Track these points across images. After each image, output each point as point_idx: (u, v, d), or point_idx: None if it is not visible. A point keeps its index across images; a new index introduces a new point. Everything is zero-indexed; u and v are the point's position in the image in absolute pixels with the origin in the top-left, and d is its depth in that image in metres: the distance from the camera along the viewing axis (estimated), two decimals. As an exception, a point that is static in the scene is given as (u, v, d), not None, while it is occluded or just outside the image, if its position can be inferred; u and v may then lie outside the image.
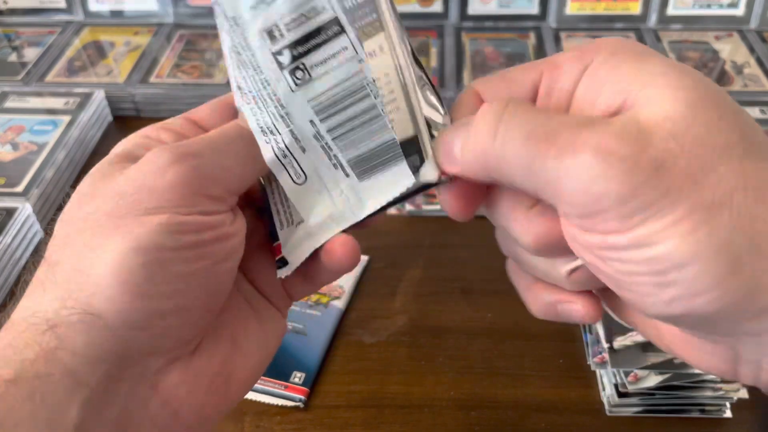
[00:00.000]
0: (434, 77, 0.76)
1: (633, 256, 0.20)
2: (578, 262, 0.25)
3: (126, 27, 0.86)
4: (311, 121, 0.26)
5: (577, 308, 0.26)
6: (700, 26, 0.83)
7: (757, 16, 0.82)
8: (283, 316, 0.31)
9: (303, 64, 0.25)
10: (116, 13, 0.87)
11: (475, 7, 0.84)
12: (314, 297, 0.56)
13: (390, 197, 0.26)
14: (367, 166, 0.26)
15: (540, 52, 0.80)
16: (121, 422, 0.24)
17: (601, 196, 0.20)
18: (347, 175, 0.27)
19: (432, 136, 0.25)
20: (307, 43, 0.25)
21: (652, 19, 0.83)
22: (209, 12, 0.86)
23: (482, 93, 0.26)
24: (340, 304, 0.55)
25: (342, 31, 0.25)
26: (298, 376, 0.50)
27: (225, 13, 0.26)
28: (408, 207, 0.63)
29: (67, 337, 0.23)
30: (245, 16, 0.25)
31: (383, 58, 0.25)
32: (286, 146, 0.26)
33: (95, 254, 0.23)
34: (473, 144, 0.23)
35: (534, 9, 0.84)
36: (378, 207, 0.27)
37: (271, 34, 0.25)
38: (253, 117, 0.27)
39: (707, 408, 0.47)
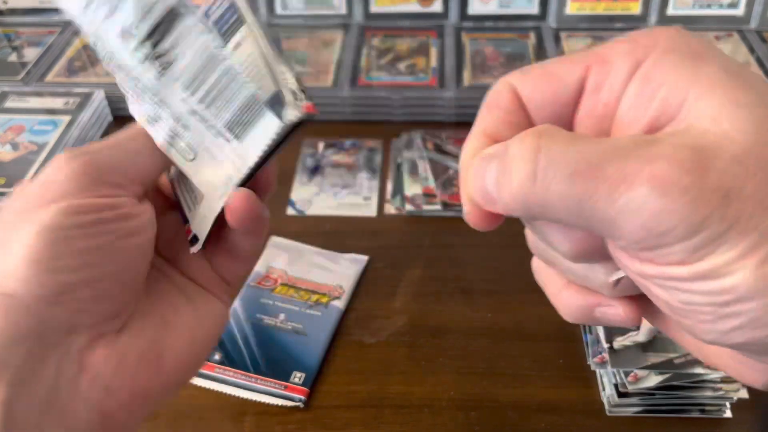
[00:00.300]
0: (434, 77, 0.76)
1: (695, 287, 0.19)
2: (622, 273, 0.23)
3: (126, 27, 0.86)
4: (182, 99, 0.29)
5: (617, 312, 0.24)
6: (700, 26, 0.83)
7: (757, 16, 0.82)
8: (223, 302, 0.32)
9: (159, 52, 0.29)
10: (116, 13, 0.87)
11: (475, 7, 0.84)
12: (314, 297, 0.56)
13: (265, 145, 0.29)
14: (240, 126, 0.29)
15: (540, 52, 0.80)
16: (51, 400, 0.25)
17: (665, 233, 0.18)
18: (228, 140, 0.29)
19: (293, 93, 0.29)
20: (156, 33, 0.29)
21: (652, 20, 0.83)
22: (209, 12, 0.86)
23: (520, 90, 0.23)
24: (340, 304, 0.55)
25: (180, 14, 0.28)
26: (298, 376, 0.50)
27: (88, 32, 0.30)
28: (408, 207, 0.63)
29: None
30: (102, 28, 0.29)
31: (247, 40, 0.28)
32: (170, 129, 0.30)
33: (7, 243, 0.26)
34: (510, 186, 0.20)
35: (534, 9, 0.84)
36: (258, 156, 0.29)
37: (125, 35, 0.29)
38: (139, 112, 0.30)
39: (707, 408, 0.47)
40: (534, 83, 0.23)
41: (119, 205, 0.27)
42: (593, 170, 0.19)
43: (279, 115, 0.28)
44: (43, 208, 0.26)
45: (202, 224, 0.30)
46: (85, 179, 0.27)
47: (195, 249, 0.31)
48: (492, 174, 0.21)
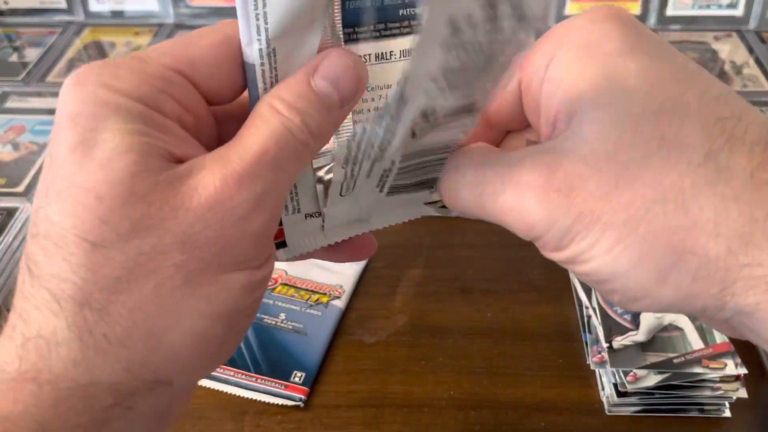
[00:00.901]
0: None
1: (574, 270, 0.22)
2: None
3: (127, 27, 0.86)
4: (392, 161, 0.25)
5: None
6: (699, 27, 0.83)
7: (756, 16, 0.83)
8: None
9: (426, 128, 0.24)
10: (117, 14, 0.87)
11: (474, 8, 0.84)
12: (314, 297, 0.56)
13: (407, 216, 0.29)
14: (403, 190, 0.28)
15: (540, 53, 0.80)
16: None
17: (531, 226, 0.21)
18: (380, 192, 0.28)
19: None
20: (444, 118, 0.24)
21: (652, 20, 0.83)
22: (209, 12, 0.86)
23: None
24: (340, 303, 0.55)
25: (472, 112, 0.24)
26: (298, 376, 0.50)
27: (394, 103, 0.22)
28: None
29: (137, 404, 0.20)
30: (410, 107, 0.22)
31: None
32: (356, 174, 0.26)
33: (168, 317, 0.20)
34: (449, 200, 0.25)
35: (534, 9, 0.84)
36: (395, 222, 0.29)
37: (425, 115, 0.23)
38: (344, 139, 0.27)
39: (706, 407, 0.47)
40: None
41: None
42: (484, 182, 0.23)
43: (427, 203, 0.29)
44: (220, 280, 0.20)
45: (302, 240, 0.29)
46: (263, 241, 0.22)
47: (281, 257, 0.29)
48: (440, 189, 0.26)
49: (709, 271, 0.19)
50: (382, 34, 0.24)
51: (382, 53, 0.25)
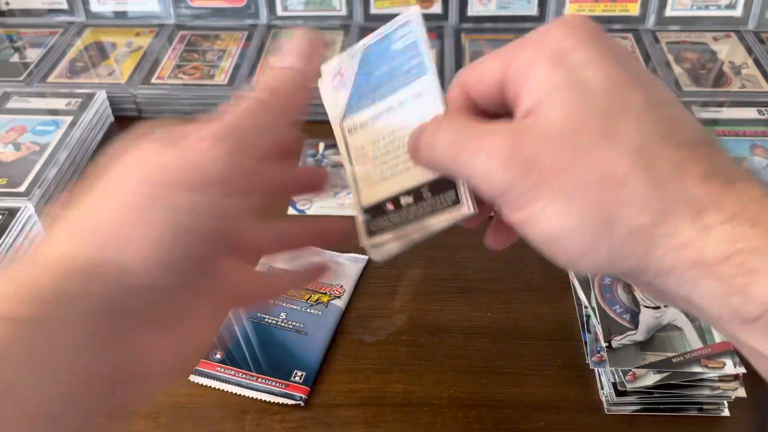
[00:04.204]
0: (434, 78, 0.77)
1: (530, 231, 0.26)
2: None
3: (127, 28, 0.86)
4: None
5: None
6: (699, 27, 0.83)
7: (755, 17, 0.83)
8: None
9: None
10: (118, 14, 0.87)
11: (474, 9, 0.84)
12: (315, 296, 0.56)
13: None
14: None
15: (539, 53, 0.80)
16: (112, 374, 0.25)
17: (496, 185, 0.26)
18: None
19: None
20: None
21: (651, 20, 0.84)
22: (210, 13, 0.87)
23: (464, 85, 0.30)
24: (340, 303, 0.56)
25: None
26: (298, 375, 0.51)
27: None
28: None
29: (91, 283, 0.24)
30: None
31: None
32: None
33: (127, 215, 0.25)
34: (421, 149, 0.29)
35: (533, 10, 0.84)
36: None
37: None
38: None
39: (705, 406, 0.47)
40: (471, 84, 0.29)
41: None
42: (462, 143, 0.27)
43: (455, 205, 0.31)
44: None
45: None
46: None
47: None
48: (415, 139, 0.30)
49: (636, 238, 0.24)
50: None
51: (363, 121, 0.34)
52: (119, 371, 0.25)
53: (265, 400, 0.49)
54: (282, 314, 0.55)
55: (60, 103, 0.73)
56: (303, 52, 0.32)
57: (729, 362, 0.46)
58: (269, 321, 0.54)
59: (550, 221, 0.25)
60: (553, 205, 0.25)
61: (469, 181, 0.28)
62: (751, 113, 0.70)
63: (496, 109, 0.29)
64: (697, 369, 0.46)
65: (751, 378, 0.46)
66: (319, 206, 0.64)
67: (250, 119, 0.29)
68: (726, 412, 0.47)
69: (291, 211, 0.64)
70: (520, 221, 0.26)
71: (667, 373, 0.46)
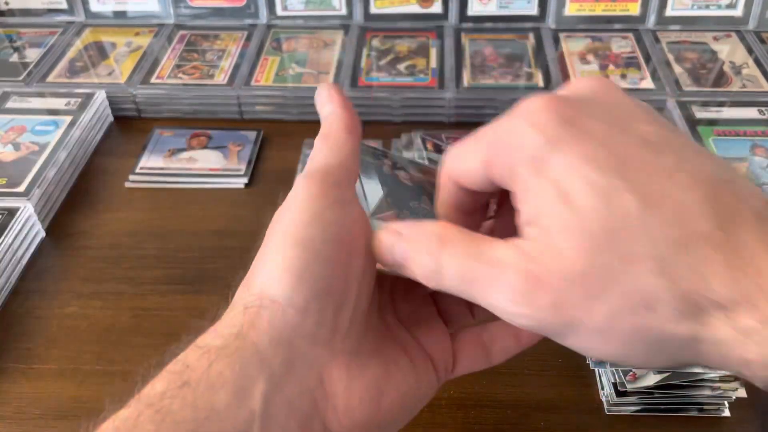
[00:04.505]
0: (434, 78, 0.77)
1: (578, 351, 0.26)
2: None
3: (127, 28, 0.86)
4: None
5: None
6: (699, 27, 0.83)
7: (756, 16, 0.83)
8: (437, 378, 0.34)
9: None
10: (118, 14, 0.87)
11: (474, 8, 0.84)
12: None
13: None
14: None
15: (539, 53, 0.80)
16: (295, 404, 0.27)
17: (520, 323, 0.26)
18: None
19: None
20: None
21: (651, 20, 0.84)
22: (210, 13, 0.87)
23: (450, 174, 0.30)
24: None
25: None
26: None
27: None
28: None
29: (254, 319, 0.27)
30: None
31: None
32: None
33: (273, 255, 0.29)
34: (418, 268, 0.28)
35: (533, 10, 0.84)
36: None
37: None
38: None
39: (706, 407, 0.47)
40: (458, 175, 0.29)
41: (346, 197, 0.30)
42: (472, 274, 0.26)
43: None
44: (295, 221, 0.28)
45: None
46: (319, 189, 0.29)
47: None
48: (400, 251, 0.29)
49: (684, 348, 0.24)
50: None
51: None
52: (300, 401, 0.27)
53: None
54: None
55: (59, 103, 0.73)
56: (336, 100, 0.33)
57: (729, 362, 0.46)
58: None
59: (596, 352, 0.25)
60: (591, 340, 0.25)
61: (486, 306, 0.27)
62: (751, 113, 0.70)
63: (490, 189, 0.29)
64: (697, 369, 0.46)
65: (751, 378, 0.46)
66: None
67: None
68: (726, 413, 0.47)
69: (291, 211, 0.64)
70: (564, 343, 0.26)
71: (667, 374, 0.46)
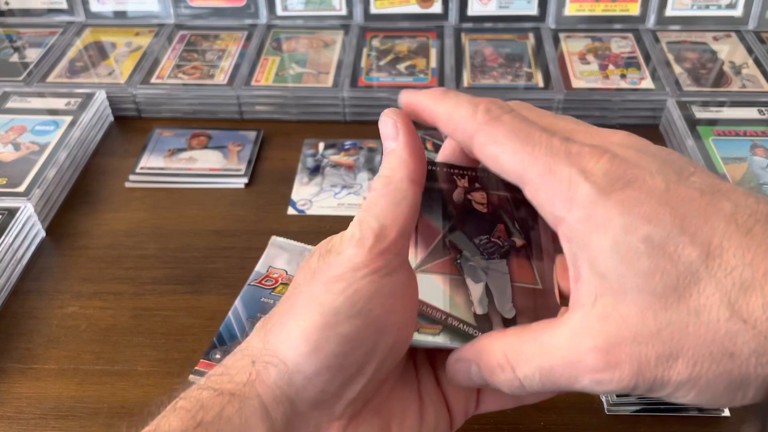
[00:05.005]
0: (434, 78, 0.77)
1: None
2: None
3: (127, 28, 0.86)
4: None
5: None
6: (699, 27, 0.83)
7: (756, 16, 0.83)
8: (449, 425, 0.33)
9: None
10: (118, 14, 0.87)
11: (474, 8, 0.84)
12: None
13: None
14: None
15: (539, 53, 0.80)
16: None
17: (609, 390, 0.26)
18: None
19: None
20: None
21: (651, 20, 0.84)
22: (210, 13, 0.87)
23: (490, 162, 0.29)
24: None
25: None
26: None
27: None
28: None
29: (262, 372, 0.28)
30: None
31: None
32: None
33: (299, 313, 0.28)
34: (502, 385, 0.29)
35: (533, 10, 0.84)
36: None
37: None
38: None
39: (705, 407, 0.47)
40: (497, 161, 0.29)
41: (392, 265, 0.28)
42: (554, 378, 0.27)
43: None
44: (327, 288, 0.28)
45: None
46: (364, 259, 0.28)
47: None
48: (477, 378, 0.30)
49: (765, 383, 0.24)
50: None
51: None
52: None
53: (264, 400, 0.49)
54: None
55: (59, 103, 0.73)
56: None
57: (729, 362, 0.46)
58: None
59: (683, 400, 0.25)
60: (679, 393, 0.25)
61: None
62: (751, 113, 0.70)
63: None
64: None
65: (751, 378, 0.46)
66: (319, 206, 0.64)
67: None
68: (726, 412, 0.47)
69: (291, 210, 0.64)
70: (652, 396, 0.26)
71: (667, 373, 0.46)
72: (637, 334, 0.24)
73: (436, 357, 0.34)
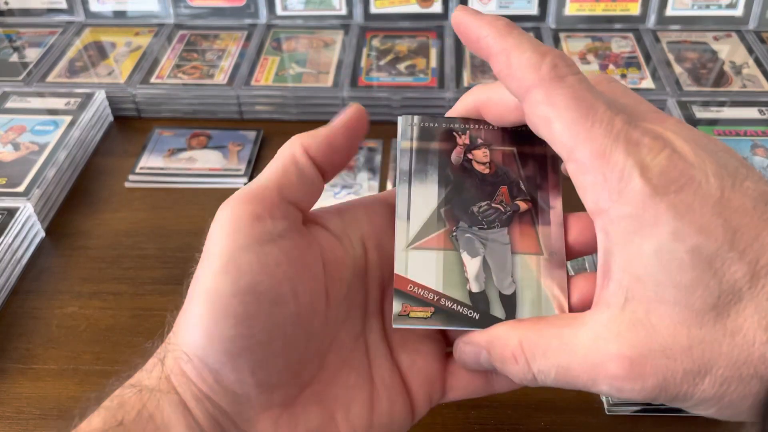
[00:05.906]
0: (434, 78, 0.77)
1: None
2: None
3: (127, 27, 0.86)
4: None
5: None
6: (699, 27, 0.83)
7: (756, 16, 0.83)
8: (411, 412, 0.31)
9: None
10: (117, 14, 0.87)
11: (474, 8, 0.84)
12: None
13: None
14: None
15: (539, 53, 0.80)
16: None
17: (630, 398, 0.25)
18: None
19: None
20: None
21: (651, 20, 0.84)
22: (210, 13, 0.86)
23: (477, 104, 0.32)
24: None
25: None
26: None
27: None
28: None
29: (174, 367, 0.27)
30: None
31: None
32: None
33: (190, 302, 0.27)
34: (515, 377, 0.28)
35: (533, 9, 0.84)
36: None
37: None
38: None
39: (706, 407, 0.47)
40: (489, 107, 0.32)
41: (277, 228, 0.27)
42: (572, 376, 0.26)
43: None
44: (209, 269, 0.27)
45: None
46: (236, 224, 0.28)
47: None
48: (486, 362, 0.29)
49: None
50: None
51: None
52: None
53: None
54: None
55: (59, 103, 0.73)
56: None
57: (730, 362, 0.46)
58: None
59: (704, 413, 0.25)
60: (703, 406, 0.25)
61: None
62: (751, 113, 0.70)
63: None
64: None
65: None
66: (319, 206, 0.64)
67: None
68: (727, 413, 0.47)
69: (291, 211, 0.64)
70: (672, 406, 0.26)
71: (667, 374, 0.46)
72: (667, 348, 0.23)
73: (394, 335, 0.31)
